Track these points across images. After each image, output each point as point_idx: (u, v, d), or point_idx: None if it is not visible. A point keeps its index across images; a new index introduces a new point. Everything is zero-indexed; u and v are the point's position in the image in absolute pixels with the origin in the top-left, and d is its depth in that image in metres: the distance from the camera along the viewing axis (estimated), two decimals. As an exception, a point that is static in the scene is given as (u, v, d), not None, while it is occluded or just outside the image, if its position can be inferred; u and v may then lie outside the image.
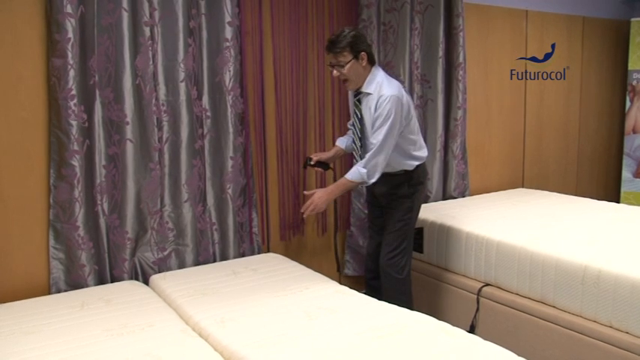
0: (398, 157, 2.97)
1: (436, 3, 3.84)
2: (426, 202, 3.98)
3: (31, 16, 2.63)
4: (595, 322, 2.61)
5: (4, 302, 2.59)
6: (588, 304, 2.62)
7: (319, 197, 2.82)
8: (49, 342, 2.16)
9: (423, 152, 3.08)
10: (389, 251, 3.04)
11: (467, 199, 4.13)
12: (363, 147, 2.97)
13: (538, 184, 4.82)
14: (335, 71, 2.86)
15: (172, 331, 2.27)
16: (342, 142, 3.20)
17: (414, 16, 3.80)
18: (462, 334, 2.19)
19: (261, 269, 3.00)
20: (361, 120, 2.95)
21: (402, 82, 3.78)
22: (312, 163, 3.12)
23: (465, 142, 4.17)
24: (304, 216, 2.89)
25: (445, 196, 4.16)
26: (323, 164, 3.16)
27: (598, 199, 4.06)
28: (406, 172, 3.01)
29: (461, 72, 3.99)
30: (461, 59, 3.97)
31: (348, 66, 2.81)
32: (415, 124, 3.03)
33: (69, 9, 2.60)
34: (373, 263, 3.19)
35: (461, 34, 3.93)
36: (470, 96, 4.21)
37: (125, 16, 2.79)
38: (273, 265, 3.07)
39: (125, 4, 2.78)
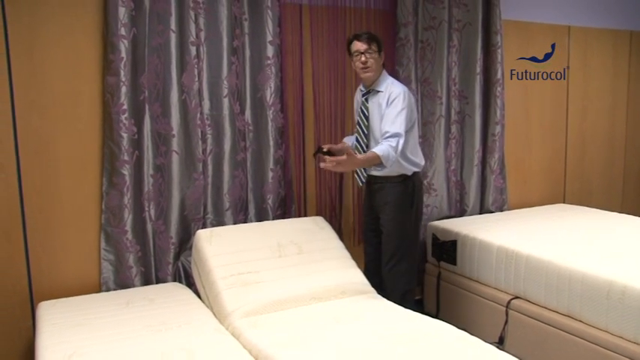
0: (398, 158, 3.04)
1: (474, 21, 3.92)
2: (462, 216, 4.06)
3: (90, 39, 2.90)
4: (621, 337, 2.61)
5: (60, 298, 2.85)
6: (614, 320, 2.63)
7: (345, 160, 2.75)
8: (96, 334, 2.38)
9: (421, 160, 3.20)
10: (388, 261, 3.13)
11: (504, 213, 4.16)
12: (368, 143, 3.13)
13: (580, 199, 4.77)
14: (364, 57, 3.02)
15: (207, 330, 2.44)
16: (348, 140, 3.35)
17: (451, 34, 3.89)
18: (479, 343, 2.26)
19: (306, 246, 3.07)
20: (368, 118, 3.11)
21: (439, 98, 3.89)
22: (324, 150, 3.14)
23: (504, 157, 4.20)
24: (321, 165, 2.79)
25: (482, 211, 4.20)
26: (333, 154, 3.15)
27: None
28: (405, 178, 3.10)
29: (499, 88, 4.04)
30: (499, 75, 4.02)
31: (376, 55, 3.05)
32: (417, 130, 3.20)
33: (122, 31, 2.86)
34: (373, 276, 3.18)
35: (499, 50, 3.99)
36: (509, 111, 4.25)
37: (173, 37, 3.02)
38: (318, 239, 3.14)
39: (173, 25, 3.02)
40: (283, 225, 3.25)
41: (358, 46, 3.04)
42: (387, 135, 2.93)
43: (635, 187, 5.23)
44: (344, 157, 2.77)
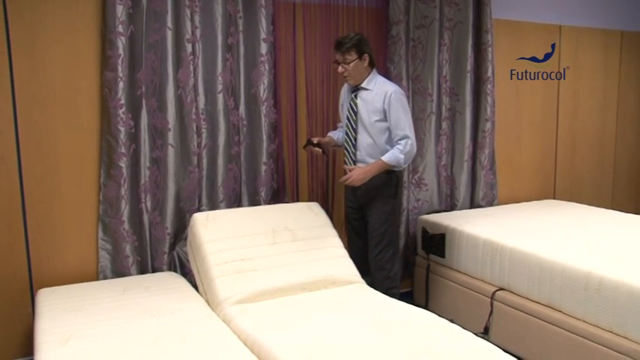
0: (388, 150, 3.19)
1: (465, 19, 4.01)
2: (452, 210, 4.15)
3: (89, 36, 3.01)
4: (597, 326, 2.72)
5: (60, 285, 2.96)
6: (591, 310, 2.73)
7: (357, 174, 3.14)
8: (92, 318, 2.48)
9: None
10: (374, 247, 3.27)
11: (493, 208, 4.25)
12: (356, 137, 3.24)
13: (571, 196, 4.86)
14: (340, 68, 3.18)
15: (199, 316, 2.55)
16: (333, 134, 3.46)
17: (442, 32, 3.98)
18: (458, 330, 2.37)
19: (300, 233, 3.15)
20: (357, 113, 3.23)
21: (430, 95, 3.98)
22: (314, 142, 3.31)
23: (494, 153, 4.30)
24: (340, 182, 3.27)
25: (472, 205, 4.29)
26: (321, 146, 3.34)
27: (635, 214, 4.04)
28: (390, 171, 3.22)
29: (489, 86, 4.12)
30: (489, 73, 4.11)
31: (352, 64, 3.14)
32: None
33: (120, 29, 2.96)
34: (359, 263, 3.27)
35: (489, 49, 4.08)
36: (501, 108, 4.34)
37: (169, 34, 3.12)
38: (312, 226, 3.23)
39: (170, 23, 3.11)
40: (279, 210, 3.32)
41: (336, 56, 3.19)
42: (396, 139, 3.14)
43: (625, 185, 5.32)
44: (353, 168, 3.18)
